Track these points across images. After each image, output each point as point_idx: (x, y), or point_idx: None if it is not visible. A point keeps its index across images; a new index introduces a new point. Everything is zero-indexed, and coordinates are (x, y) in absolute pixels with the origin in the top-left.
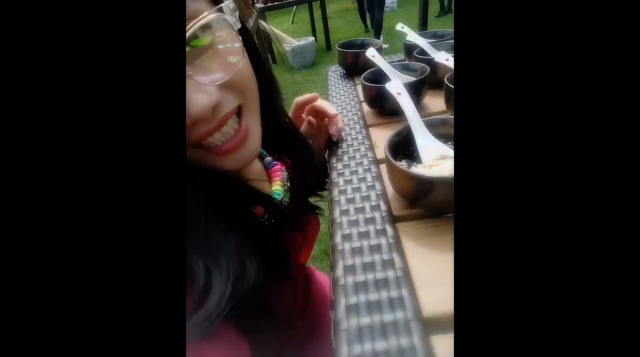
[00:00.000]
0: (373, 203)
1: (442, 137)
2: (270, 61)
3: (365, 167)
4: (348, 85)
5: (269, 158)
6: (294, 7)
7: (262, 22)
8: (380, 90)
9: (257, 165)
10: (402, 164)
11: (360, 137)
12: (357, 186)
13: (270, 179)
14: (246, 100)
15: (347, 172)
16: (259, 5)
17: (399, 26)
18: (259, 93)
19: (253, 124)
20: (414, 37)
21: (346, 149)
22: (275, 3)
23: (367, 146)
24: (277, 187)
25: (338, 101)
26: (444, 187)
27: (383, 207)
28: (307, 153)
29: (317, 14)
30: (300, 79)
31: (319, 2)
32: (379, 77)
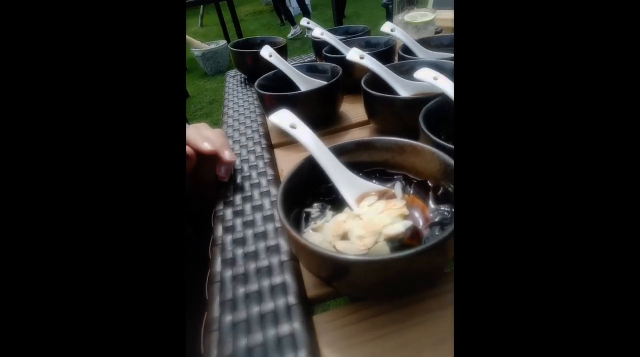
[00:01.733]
0: (276, 280)
1: (364, 166)
2: None
3: (266, 213)
4: (249, 93)
5: None
6: (201, 8)
7: None
8: (282, 99)
9: None
10: (317, 218)
11: (260, 164)
12: (251, 250)
13: None
14: None
15: (238, 224)
16: None
17: (304, 21)
18: None
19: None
20: (320, 32)
21: (240, 184)
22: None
23: (269, 179)
24: None
25: (235, 114)
26: (366, 269)
27: (292, 287)
28: None
29: (227, 16)
30: (216, 85)
31: (226, 2)
32: (282, 82)
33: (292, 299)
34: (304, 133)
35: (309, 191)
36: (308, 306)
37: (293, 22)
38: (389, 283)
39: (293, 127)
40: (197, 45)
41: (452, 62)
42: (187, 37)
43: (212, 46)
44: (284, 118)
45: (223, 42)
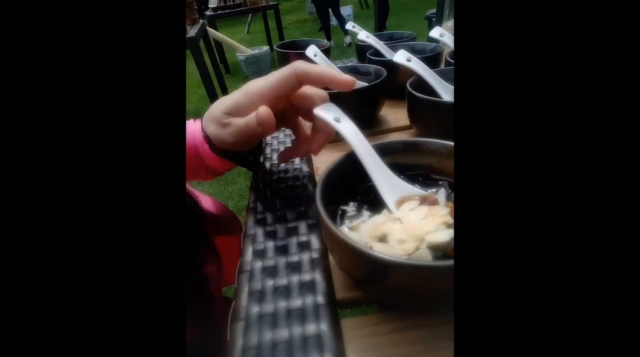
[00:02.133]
0: (305, 277)
1: (406, 168)
2: (224, 71)
3: (299, 211)
4: None
5: None
6: (249, 16)
7: (211, 30)
8: None
9: None
10: (353, 217)
11: (297, 161)
12: (282, 244)
13: None
14: None
15: (269, 217)
16: (208, 13)
17: (349, 25)
18: None
19: None
20: (366, 35)
21: (274, 180)
22: (226, 11)
23: (304, 175)
24: None
25: None
26: (403, 272)
27: (321, 286)
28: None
29: (273, 24)
30: None
31: (273, 11)
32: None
33: (320, 298)
34: (348, 128)
35: (346, 188)
36: (336, 308)
37: (329, 37)
38: (429, 293)
39: (337, 120)
40: (242, 50)
41: None
42: (232, 41)
43: (256, 51)
44: (329, 111)
45: (265, 47)
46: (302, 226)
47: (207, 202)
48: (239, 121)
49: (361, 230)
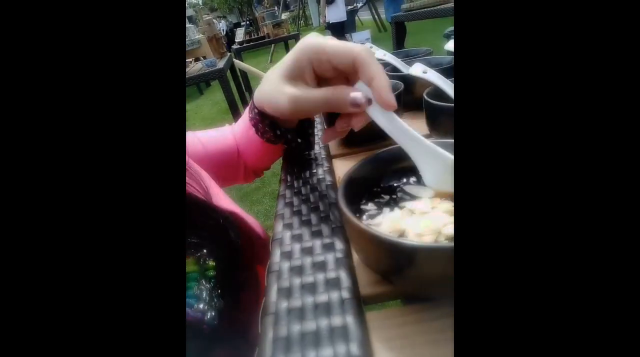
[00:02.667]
0: (330, 275)
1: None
2: (249, 98)
3: (322, 214)
4: None
5: None
6: (272, 46)
7: (237, 61)
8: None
9: None
10: (374, 216)
11: (320, 171)
12: (307, 246)
13: None
14: None
15: (295, 222)
16: (235, 46)
17: (367, 45)
18: None
19: None
20: (382, 53)
21: (299, 188)
22: (251, 44)
23: (327, 184)
24: (190, 268)
25: None
26: (435, 259)
27: (345, 282)
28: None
29: None
30: None
31: (294, 40)
32: None
33: (345, 293)
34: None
35: (367, 189)
36: (360, 302)
37: None
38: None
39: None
40: (252, 72)
41: None
42: (256, 70)
43: None
44: (364, 89)
45: None
46: (326, 229)
47: (255, 225)
48: (312, 90)
49: (381, 227)
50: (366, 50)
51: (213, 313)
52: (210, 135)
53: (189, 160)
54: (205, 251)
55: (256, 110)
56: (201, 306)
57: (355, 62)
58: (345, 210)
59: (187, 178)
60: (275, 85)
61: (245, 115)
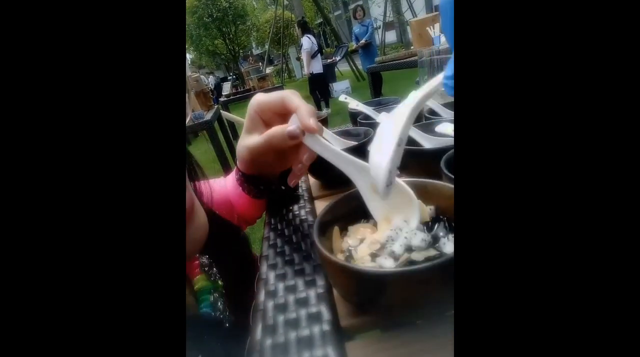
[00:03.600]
0: (312, 310)
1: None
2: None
3: (304, 253)
4: None
5: None
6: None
7: (224, 113)
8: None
9: None
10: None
11: (303, 213)
12: (291, 284)
13: (188, 277)
14: None
15: (279, 262)
16: (222, 99)
17: (342, 97)
18: None
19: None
20: (356, 104)
21: (282, 229)
22: (237, 96)
23: (309, 224)
24: (203, 284)
25: None
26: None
27: (326, 315)
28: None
29: None
30: None
31: None
32: None
33: (326, 326)
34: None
35: (342, 225)
36: (341, 334)
37: (328, 104)
38: (416, 299)
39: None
40: (237, 121)
41: None
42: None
43: None
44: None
45: None
46: (308, 267)
47: None
48: (259, 136)
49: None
50: (290, 91)
51: (228, 319)
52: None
53: (213, 184)
54: (214, 270)
55: (240, 172)
56: (218, 313)
57: (283, 102)
58: (319, 245)
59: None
60: (240, 142)
61: (227, 178)
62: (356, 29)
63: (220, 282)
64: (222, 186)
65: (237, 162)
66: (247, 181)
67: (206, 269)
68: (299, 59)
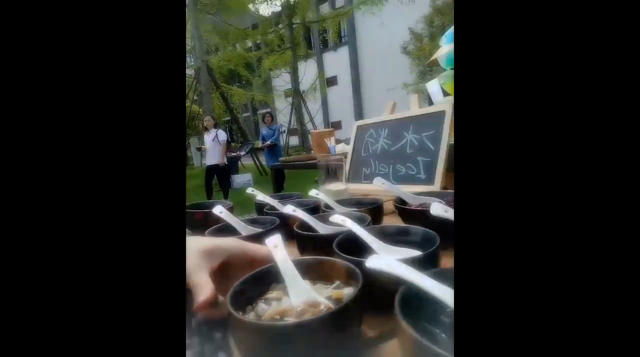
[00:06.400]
0: None
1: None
2: None
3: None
4: None
5: None
6: None
7: None
8: None
9: None
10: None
11: None
12: None
13: None
14: None
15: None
16: None
17: (249, 190)
18: None
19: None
20: (262, 197)
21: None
22: None
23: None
24: None
25: None
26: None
27: None
28: None
29: None
30: None
31: None
32: (230, 233)
33: None
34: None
35: (256, 294)
36: None
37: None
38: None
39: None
40: None
41: (356, 211)
42: None
43: None
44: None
45: None
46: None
47: None
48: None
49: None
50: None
51: None
52: None
53: None
54: None
55: None
56: None
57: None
58: (232, 310)
59: None
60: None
61: None
62: (264, 131)
63: None
64: None
65: None
66: None
67: None
68: (199, 149)
